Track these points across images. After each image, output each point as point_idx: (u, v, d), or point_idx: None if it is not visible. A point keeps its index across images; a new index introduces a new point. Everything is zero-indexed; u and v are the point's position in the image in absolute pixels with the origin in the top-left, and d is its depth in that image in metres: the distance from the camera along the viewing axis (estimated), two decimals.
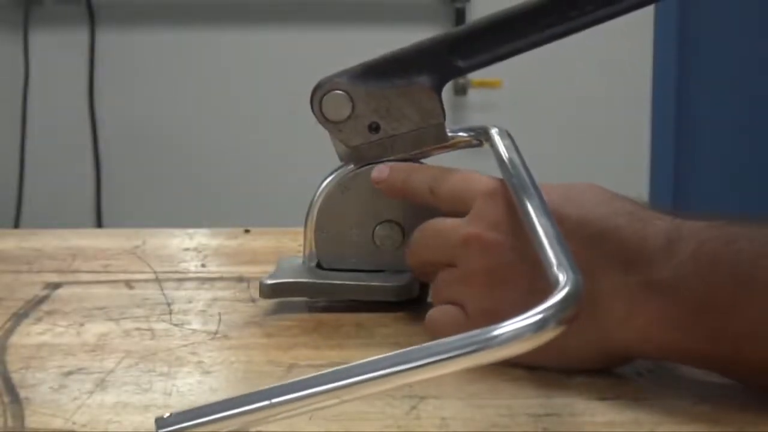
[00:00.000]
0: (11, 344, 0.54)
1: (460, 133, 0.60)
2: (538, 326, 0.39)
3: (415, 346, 0.39)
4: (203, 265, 0.70)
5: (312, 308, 0.60)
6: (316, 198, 0.60)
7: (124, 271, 0.68)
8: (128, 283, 0.66)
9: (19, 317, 0.59)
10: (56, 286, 0.65)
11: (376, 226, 0.60)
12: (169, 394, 0.48)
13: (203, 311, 0.60)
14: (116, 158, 2.49)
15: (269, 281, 0.59)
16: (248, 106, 2.47)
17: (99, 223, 2.49)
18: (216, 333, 0.56)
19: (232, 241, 0.78)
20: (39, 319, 0.58)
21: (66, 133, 2.48)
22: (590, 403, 0.46)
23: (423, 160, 0.60)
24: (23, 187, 2.46)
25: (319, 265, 0.60)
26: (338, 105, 0.58)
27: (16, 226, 2.42)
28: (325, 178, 0.60)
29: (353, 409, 0.46)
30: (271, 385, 0.38)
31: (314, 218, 0.60)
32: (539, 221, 0.47)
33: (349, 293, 0.59)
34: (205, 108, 2.48)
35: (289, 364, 0.51)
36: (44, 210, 2.45)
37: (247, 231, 0.79)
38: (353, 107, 0.58)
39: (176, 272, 0.68)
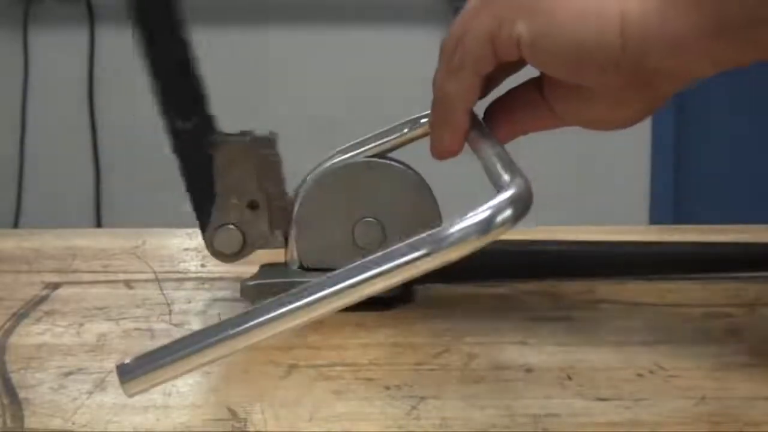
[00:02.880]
0: (11, 344, 0.54)
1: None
2: (486, 225, 0.41)
3: (369, 257, 0.41)
4: (203, 265, 0.70)
5: None
6: (295, 202, 0.60)
7: (124, 271, 0.68)
8: (128, 283, 0.65)
9: (18, 317, 0.59)
10: (56, 286, 0.65)
11: (354, 225, 0.59)
12: (169, 395, 0.48)
13: (203, 311, 0.60)
14: (116, 158, 2.49)
15: (250, 282, 0.59)
16: (248, 106, 2.47)
17: (99, 223, 2.49)
18: None
19: None
20: (39, 319, 0.58)
21: (66, 133, 2.47)
22: (590, 403, 0.46)
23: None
24: (23, 187, 2.46)
25: (302, 267, 0.60)
26: (229, 238, 0.60)
27: (16, 226, 2.41)
28: (302, 181, 0.60)
29: (353, 410, 0.46)
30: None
31: (293, 222, 0.60)
32: (487, 141, 0.50)
33: None
34: None
35: (289, 365, 0.51)
36: (44, 210, 2.45)
37: None
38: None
39: (176, 272, 0.68)
